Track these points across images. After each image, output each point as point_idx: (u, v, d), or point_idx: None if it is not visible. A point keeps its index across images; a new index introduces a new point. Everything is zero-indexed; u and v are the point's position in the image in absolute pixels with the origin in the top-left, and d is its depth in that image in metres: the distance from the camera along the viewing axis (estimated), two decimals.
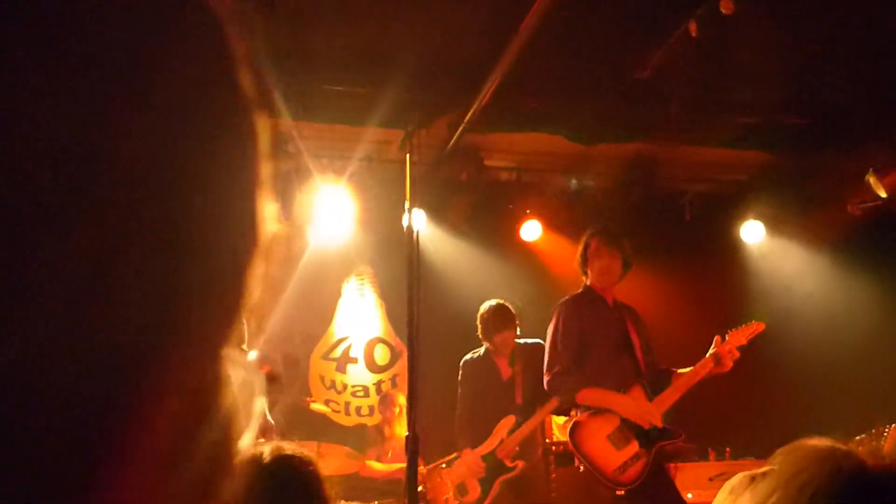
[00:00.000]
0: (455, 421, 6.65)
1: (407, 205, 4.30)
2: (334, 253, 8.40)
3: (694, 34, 5.88)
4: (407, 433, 3.89)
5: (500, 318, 6.51)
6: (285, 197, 7.74)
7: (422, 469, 7.01)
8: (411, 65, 6.35)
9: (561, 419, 7.29)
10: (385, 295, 8.74)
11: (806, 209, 8.43)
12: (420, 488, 6.97)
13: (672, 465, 7.64)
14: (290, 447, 2.31)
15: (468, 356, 6.68)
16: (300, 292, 7.92)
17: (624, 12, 6.05)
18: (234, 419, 0.57)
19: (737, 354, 5.56)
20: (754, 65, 6.84)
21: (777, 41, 6.51)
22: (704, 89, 7.15)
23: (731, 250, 8.98)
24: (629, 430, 5.39)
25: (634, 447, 5.38)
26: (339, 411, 8.46)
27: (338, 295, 8.84)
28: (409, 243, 4.07)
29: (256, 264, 0.55)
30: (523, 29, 5.79)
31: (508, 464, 6.32)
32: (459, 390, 6.65)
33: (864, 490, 0.95)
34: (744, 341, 5.66)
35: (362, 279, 8.88)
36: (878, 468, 0.98)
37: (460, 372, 6.67)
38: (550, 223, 8.73)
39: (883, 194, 7.17)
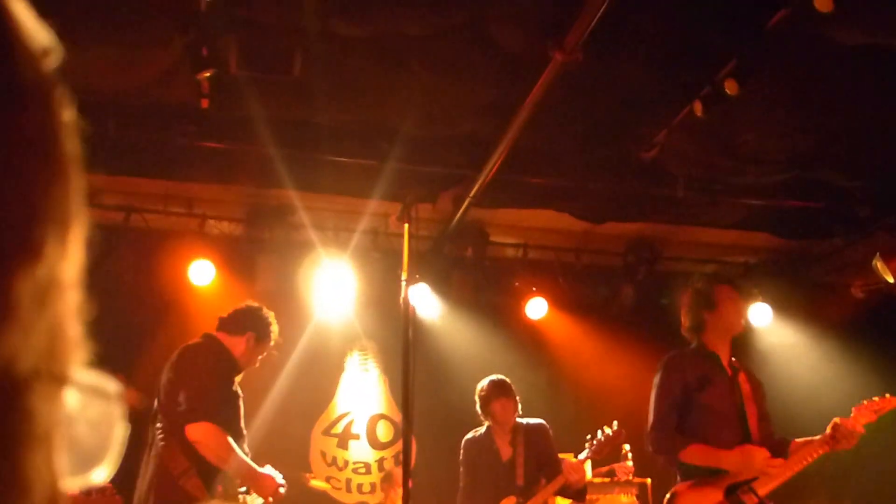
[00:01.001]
0: (457, 500, 6.52)
1: (404, 277, 4.15)
2: (338, 327, 8.37)
3: (699, 114, 5.91)
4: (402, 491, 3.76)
5: (498, 388, 6.40)
6: (290, 269, 7.75)
7: None
8: (416, 138, 6.42)
9: (566, 502, 7.20)
10: (388, 370, 8.67)
11: (812, 292, 8.39)
12: None
13: None
14: None
15: (469, 435, 6.58)
16: (302, 366, 7.88)
17: (630, 91, 6.08)
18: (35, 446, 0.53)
19: (862, 431, 4.98)
20: (760, 147, 6.84)
21: (783, 124, 6.54)
22: (710, 170, 7.17)
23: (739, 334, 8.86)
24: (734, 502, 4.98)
25: None
26: (339, 488, 8.34)
27: (340, 369, 8.78)
28: (404, 316, 4.00)
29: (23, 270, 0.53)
30: (528, 104, 5.82)
31: None
32: (461, 470, 6.54)
33: None
34: (873, 417, 5.10)
35: (365, 354, 8.82)
36: None
37: (462, 451, 6.56)
38: (556, 301, 8.70)
39: (890, 279, 7.10)
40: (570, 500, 7.04)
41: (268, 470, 5.28)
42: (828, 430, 4.96)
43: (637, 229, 8.37)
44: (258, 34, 5.43)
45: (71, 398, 0.55)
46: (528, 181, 7.29)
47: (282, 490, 5.12)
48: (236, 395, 5.31)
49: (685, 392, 5.11)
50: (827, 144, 6.85)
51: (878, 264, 7.19)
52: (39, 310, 0.53)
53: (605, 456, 6.80)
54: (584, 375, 8.68)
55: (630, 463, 7.44)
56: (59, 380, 0.55)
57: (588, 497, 6.87)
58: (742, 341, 8.87)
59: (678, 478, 5.08)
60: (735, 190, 7.52)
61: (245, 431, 5.38)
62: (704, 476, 4.96)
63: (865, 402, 5.11)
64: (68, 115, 0.58)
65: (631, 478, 7.45)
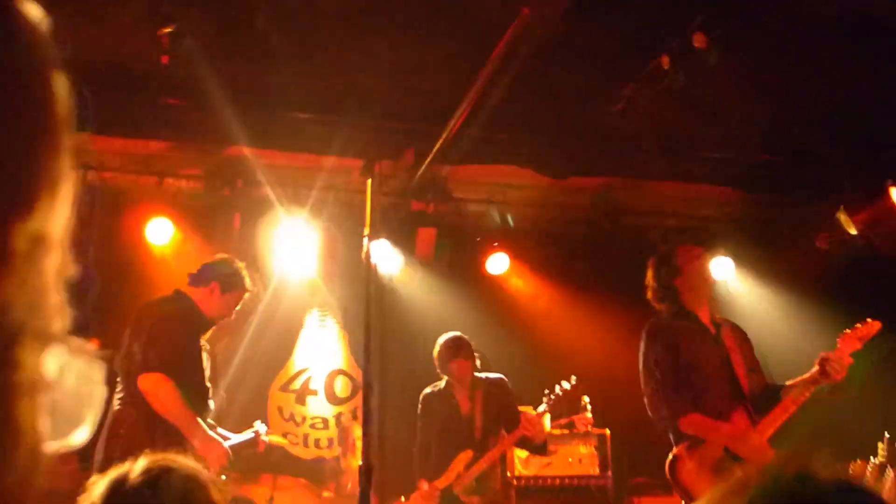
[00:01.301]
0: (414, 454, 6.62)
1: (366, 233, 4.09)
2: (297, 284, 8.31)
3: (666, 67, 5.90)
4: (360, 463, 3.71)
5: (456, 348, 6.44)
6: (250, 227, 7.65)
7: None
8: (379, 94, 6.33)
9: (524, 453, 7.30)
10: (348, 326, 8.62)
11: (775, 245, 8.43)
12: None
13: (636, 499, 7.58)
14: (175, 460, 2.08)
15: (428, 390, 6.63)
16: (261, 323, 7.84)
17: (597, 45, 6.05)
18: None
19: (850, 360, 4.98)
20: (727, 101, 6.85)
21: (752, 80, 6.56)
22: (676, 124, 7.19)
23: None
24: (733, 461, 4.95)
25: None
26: (297, 444, 8.31)
27: (300, 326, 8.72)
28: (366, 272, 3.99)
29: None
30: (493, 60, 5.77)
31: (464, 499, 6.25)
32: (419, 423, 6.61)
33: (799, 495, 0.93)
34: (858, 345, 5.07)
35: (325, 310, 8.76)
36: (822, 477, 0.96)
37: (420, 405, 6.62)
38: (518, 256, 8.69)
39: (853, 231, 7.17)
40: (528, 454, 7.12)
41: (219, 435, 5.25)
42: (816, 366, 4.98)
43: (601, 184, 8.36)
44: None
45: (53, 359, 0.58)
46: (492, 137, 7.22)
47: (227, 462, 5.11)
48: (200, 350, 5.29)
49: (673, 356, 5.17)
50: (795, 101, 6.89)
51: (842, 217, 7.27)
52: (31, 263, 0.56)
53: (565, 408, 6.92)
54: (544, 330, 8.66)
55: (589, 414, 7.56)
56: (44, 338, 0.57)
57: (547, 448, 7.01)
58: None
59: (672, 440, 5.13)
60: (700, 144, 7.55)
61: (209, 387, 5.38)
62: (694, 446, 5.03)
63: (849, 330, 5.10)
64: (61, 80, 0.64)
65: (590, 429, 7.55)
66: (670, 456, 5.08)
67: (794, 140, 7.53)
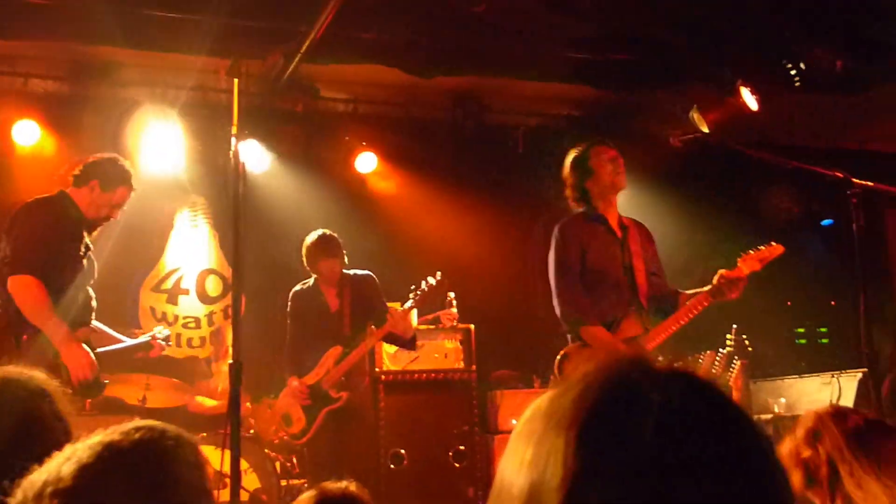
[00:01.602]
0: (283, 351, 6.62)
1: (234, 132, 4.03)
2: (167, 184, 8.14)
3: None
4: (230, 362, 3.74)
5: (325, 246, 6.44)
6: (117, 127, 7.50)
7: (248, 404, 6.98)
8: None
9: (392, 348, 7.41)
10: (218, 226, 8.57)
11: (631, 142, 8.64)
12: (251, 427, 6.97)
13: (499, 392, 7.85)
14: (21, 371, 2.00)
15: (297, 287, 6.61)
16: (131, 224, 7.73)
17: None
18: None
19: (745, 281, 5.05)
20: (584, 1, 6.89)
21: None
22: (535, 24, 7.17)
23: (560, 184, 9.02)
24: None
25: None
26: (170, 343, 8.28)
27: (170, 226, 8.65)
28: (234, 172, 3.92)
29: None
30: None
31: (334, 395, 6.29)
32: (288, 321, 6.59)
33: (631, 386, 0.94)
34: (758, 267, 5.11)
35: (195, 210, 8.70)
36: (654, 365, 0.98)
37: (289, 303, 6.61)
38: (386, 155, 8.71)
39: (705, 130, 7.36)
40: (395, 349, 7.27)
41: (112, 338, 5.21)
42: (714, 281, 5.05)
43: (465, 83, 8.37)
44: None
45: None
46: (358, 36, 7.19)
47: (91, 375, 4.90)
48: (78, 252, 5.08)
49: (582, 260, 5.23)
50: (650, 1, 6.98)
51: (695, 115, 7.47)
52: None
53: (431, 304, 7.08)
54: (411, 227, 8.73)
55: (455, 310, 7.70)
56: None
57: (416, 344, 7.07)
58: (559, 192, 9.17)
59: (569, 337, 5.23)
60: (559, 42, 7.54)
61: (91, 291, 5.26)
62: (582, 346, 5.12)
63: (751, 251, 5.14)
64: None
65: (455, 324, 7.70)
66: (562, 352, 5.15)
67: (649, 39, 7.60)
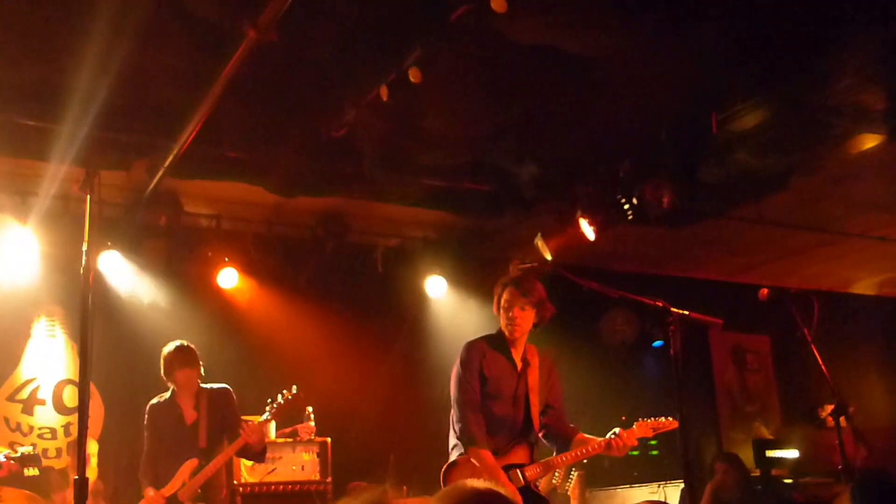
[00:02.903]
0: (140, 462, 6.33)
1: (85, 245, 3.76)
2: (23, 293, 7.78)
3: (385, 99, 5.92)
4: (76, 476, 3.43)
5: (182, 357, 6.23)
6: None
7: None
8: (109, 103, 5.95)
9: (249, 462, 7.24)
10: (76, 336, 8.09)
11: (482, 266, 8.66)
12: None
13: None
14: None
15: (154, 400, 6.38)
16: None
17: (322, 71, 6.01)
18: None
19: (635, 444, 5.09)
20: (441, 131, 6.95)
21: (462, 111, 6.66)
22: (395, 150, 7.22)
23: (419, 302, 9.12)
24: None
25: None
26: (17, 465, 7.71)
27: (27, 336, 8.17)
28: (84, 285, 3.67)
29: None
30: (222, 79, 5.59)
31: None
32: (145, 433, 6.34)
33: None
34: (650, 434, 5.19)
35: (53, 320, 8.26)
36: None
37: (146, 415, 6.36)
38: (247, 271, 8.56)
39: (548, 256, 7.39)
40: (252, 462, 7.08)
41: None
42: (608, 436, 5.03)
43: (327, 203, 8.32)
44: None
45: None
46: (223, 154, 7.06)
47: None
48: None
49: (480, 377, 5.14)
50: (500, 132, 7.04)
51: (539, 242, 7.48)
52: None
53: (288, 417, 6.96)
54: (272, 343, 8.58)
55: (312, 423, 7.61)
56: None
57: (272, 455, 7.07)
58: (420, 310, 9.08)
59: (454, 453, 5.10)
60: (417, 170, 7.60)
61: None
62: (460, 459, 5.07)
63: (650, 420, 5.17)
64: None
65: (313, 437, 7.60)
66: (448, 462, 5.07)
67: (499, 171, 7.73)
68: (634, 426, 5.16)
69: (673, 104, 6.58)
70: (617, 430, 5.08)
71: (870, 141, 6.93)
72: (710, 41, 5.68)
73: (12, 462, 4.94)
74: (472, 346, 5.25)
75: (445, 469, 5.07)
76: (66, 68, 5.74)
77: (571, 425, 5.38)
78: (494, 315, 5.29)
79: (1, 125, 6.34)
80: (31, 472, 5.02)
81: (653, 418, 5.21)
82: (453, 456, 5.11)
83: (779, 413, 11.04)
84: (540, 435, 5.33)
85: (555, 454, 5.25)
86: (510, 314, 5.14)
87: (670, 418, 5.19)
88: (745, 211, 8.49)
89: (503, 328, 5.22)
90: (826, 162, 7.38)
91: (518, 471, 5.02)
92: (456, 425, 5.12)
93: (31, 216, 7.32)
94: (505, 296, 5.18)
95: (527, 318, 5.16)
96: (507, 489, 4.80)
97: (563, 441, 5.26)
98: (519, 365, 5.25)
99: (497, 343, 5.26)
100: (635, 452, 9.80)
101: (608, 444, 5.06)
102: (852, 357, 10.76)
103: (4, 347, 7.92)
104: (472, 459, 4.97)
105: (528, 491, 4.98)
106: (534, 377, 5.27)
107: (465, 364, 5.18)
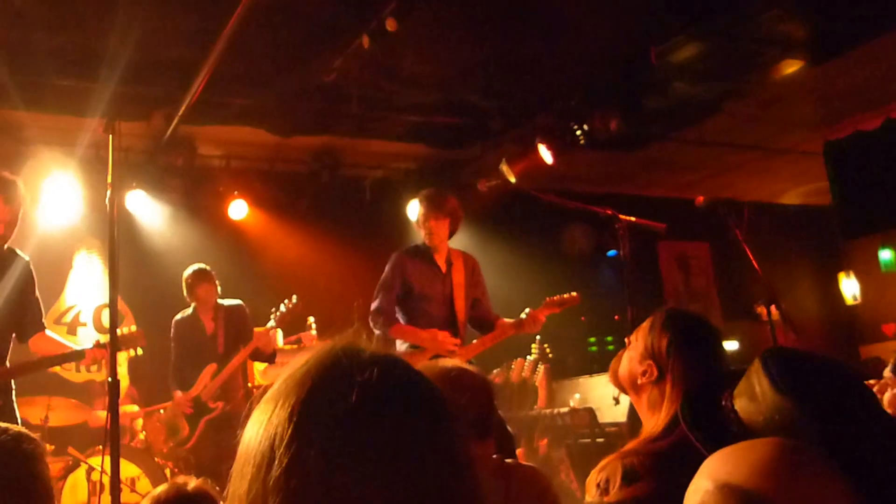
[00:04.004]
0: (169, 370, 6.59)
1: (109, 181, 3.91)
2: (66, 230, 8.03)
3: (366, 46, 6.04)
4: (109, 379, 3.59)
5: (200, 276, 6.49)
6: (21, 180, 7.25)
7: (140, 420, 6.91)
8: (131, 62, 6.16)
9: (262, 365, 7.40)
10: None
11: (457, 191, 8.84)
12: (142, 435, 6.83)
13: None
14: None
15: (178, 316, 6.64)
16: (34, 263, 7.55)
17: (312, 24, 6.13)
18: None
19: (544, 320, 5.33)
20: (417, 72, 7.07)
21: (434, 54, 6.81)
22: (378, 91, 7.32)
23: (402, 225, 9.17)
24: None
25: None
26: (69, 370, 8.09)
27: (69, 267, 8.47)
28: (110, 217, 3.82)
29: None
30: (225, 34, 5.74)
31: (211, 405, 6.33)
32: (172, 344, 6.58)
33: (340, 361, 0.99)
34: (557, 310, 5.41)
35: (91, 251, 8.54)
36: (364, 350, 1.02)
37: (172, 329, 6.60)
38: (254, 202, 8.71)
39: (513, 179, 7.57)
40: (265, 364, 7.26)
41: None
42: (521, 315, 5.31)
43: (321, 141, 8.43)
44: None
45: None
46: (229, 101, 7.21)
47: None
48: None
49: (404, 285, 5.35)
50: (468, 71, 7.18)
51: (504, 168, 7.68)
52: None
53: (293, 327, 7.17)
54: (277, 263, 8.72)
55: (314, 332, 7.72)
56: None
57: (281, 360, 7.08)
58: (401, 232, 9.26)
59: (395, 349, 5.22)
60: (398, 108, 7.69)
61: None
62: (412, 348, 5.22)
63: (556, 297, 5.41)
64: None
65: (314, 343, 7.57)
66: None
67: (469, 106, 7.83)
68: (544, 302, 5.42)
69: (617, 42, 6.68)
70: (528, 310, 5.36)
71: (792, 66, 6.95)
72: None
73: (100, 348, 4.54)
74: (397, 256, 5.46)
75: None
76: (93, 34, 5.97)
77: (494, 313, 5.58)
78: (422, 228, 5.43)
79: (42, 87, 6.55)
80: (131, 353, 4.89)
81: (557, 296, 5.44)
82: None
83: (719, 310, 11.16)
84: (469, 324, 5.50)
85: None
86: (427, 224, 5.35)
87: (573, 293, 5.45)
88: (686, 134, 8.61)
89: (426, 238, 5.41)
90: (755, 87, 7.46)
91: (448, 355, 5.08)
92: (371, 318, 5.28)
93: (70, 164, 7.51)
94: (422, 210, 5.38)
95: (441, 227, 5.35)
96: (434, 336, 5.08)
97: (487, 327, 5.49)
98: (443, 268, 5.41)
99: (421, 250, 5.46)
100: (594, 349, 10.21)
101: (520, 322, 5.32)
102: (782, 259, 10.93)
103: (50, 278, 8.01)
104: (396, 336, 5.22)
105: None
106: (458, 277, 5.44)
107: (389, 269, 5.40)
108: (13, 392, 4.48)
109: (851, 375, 1.37)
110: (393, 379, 0.98)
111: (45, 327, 4.72)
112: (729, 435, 1.39)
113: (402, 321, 5.36)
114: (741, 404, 1.44)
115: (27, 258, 4.65)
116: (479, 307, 5.58)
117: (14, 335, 4.56)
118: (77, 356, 4.58)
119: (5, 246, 4.55)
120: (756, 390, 1.39)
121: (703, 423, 1.52)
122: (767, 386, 1.36)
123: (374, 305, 5.34)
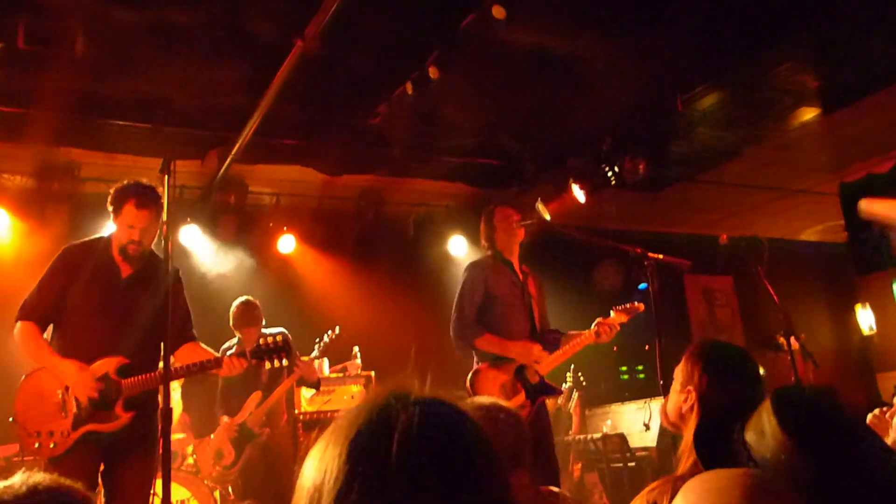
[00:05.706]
0: (216, 397, 6.44)
1: (164, 219, 3.69)
2: None
3: (410, 93, 6.00)
4: (161, 407, 3.43)
5: (246, 310, 6.30)
6: (79, 216, 7.13)
7: (190, 447, 6.70)
8: (187, 107, 6.13)
9: (309, 393, 7.19)
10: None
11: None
12: (191, 459, 6.66)
13: None
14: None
15: (225, 345, 6.39)
16: None
17: (357, 73, 6.05)
18: None
19: (618, 328, 4.98)
20: (456, 118, 6.99)
21: (473, 101, 6.72)
22: (420, 135, 7.27)
23: (443, 260, 9.05)
24: (519, 382, 4.80)
25: (522, 397, 4.76)
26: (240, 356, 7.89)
27: None
28: (164, 250, 3.62)
29: None
30: (276, 82, 5.70)
31: (257, 431, 6.16)
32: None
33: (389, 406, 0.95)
34: (625, 318, 5.06)
35: None
36: (412, 393, 0.99)
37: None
38: (302, 238, 8.57)
39: (547, 217, 7.42)
40: (313, 391, 7.10)
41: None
42: (592, 327, 4.95)
43: (367, 180, 8.35)
44: (43, 14, 4.93)
45: None
46: (280, 143, 7.13)
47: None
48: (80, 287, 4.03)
49: (485, 291, 5.02)
50: (505, 118, 7.11)
51: (540, 206, 7.54)
52: None
53: (338, 356, 7.02)
54: (322, 296, 8.57)
55: (358, 361, 7.55)
56: None
57: (326, 388, 7.02)
58: (442, 266, 9.13)
59: (476, 360, 4.95)
60: (439, 150, 7.65)
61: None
62: (497, 359, 4.89)
63: (626, 305, 5.07)
64: None
65: (360, 372, 7.55)
66: (473, 370, 4.87)
67: (504, 148, 7.76)
68: (612, 313, 5.06)
69: (645, 91, 6.59)
70: (599, 319, 4.99)
71: (808, 113, 7.02)
72: (674, 39, 5.72)
73: (239, 357, 4.09)
74: (474, 263, 5.20)
75: (471, 377, 4.85)
76: (158, 83, 5.91)
77: (554, 328, 5.30)
78: (483, 247, 5.24)
79: (118, 130, 6.47)
80: (276, 363, 4.19)
81: (626, 305, 5.09)
82: (474, 367, 4.93)
83: (743, 341, 10.90)
84: (540, 335, 5.17)
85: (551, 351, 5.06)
86: (510, 226, 5.14)
87: (636, 302, 5.10)
88: (708, 176, 8.52)
89: (502, 248, 5.15)
90: (773, 132, 7.45)
91: (532, 368, 4.87)
92: (453, 328, 4.98)
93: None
94: (502, 213, 5.21)
95: (521, 233, 5.19)
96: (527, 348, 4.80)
97: (553, 340, 5.14)
98: (520, 276, 5.15)
99: (498, 259, 5.17)
100: (625, 377, 9.93)
101: (597, 331, 4.95)
102: (802, 292, 10.75)
103: None
104: (481, 347, 4.88)
105: (542, 383, 4.88)
106: (532, 286, 5.20)
107: (468, 278, 5.08)
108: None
109: (854, 421, 1.41)
110: (432, 429, 0.95)
111: (195, 338, 4.39)
112: (738, 466, 1.43)
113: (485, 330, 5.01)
114: (751, 438, 1.46)
115: (176, 267, 4.19)
116: (544, 323, 5.27)
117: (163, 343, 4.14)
118: (215, 364, 4.19)
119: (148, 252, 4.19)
120: (765, 427, 1.42)
121: (714, 453, 1.55)
122: (775, 425, 1.39)
123: (455, 317, 5.00)
